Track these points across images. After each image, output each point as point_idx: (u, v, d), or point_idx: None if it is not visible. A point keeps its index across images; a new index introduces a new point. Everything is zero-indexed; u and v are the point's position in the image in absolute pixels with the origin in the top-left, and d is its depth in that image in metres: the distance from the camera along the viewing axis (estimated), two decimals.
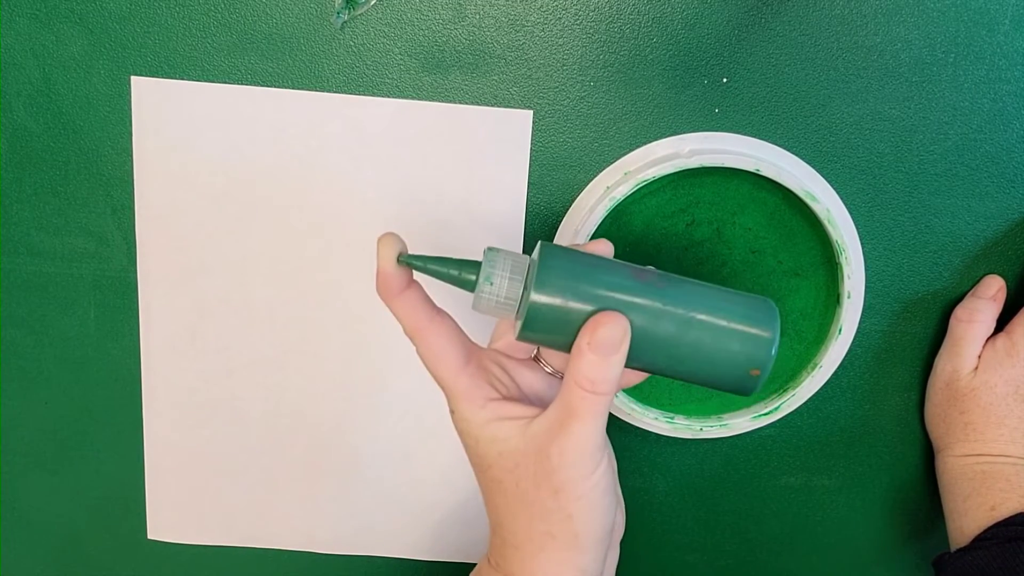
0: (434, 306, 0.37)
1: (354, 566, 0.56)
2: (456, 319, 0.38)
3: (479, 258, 0.36)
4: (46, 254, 0.50)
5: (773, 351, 0.35)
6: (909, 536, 0.55)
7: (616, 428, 0.51)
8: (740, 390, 0.36)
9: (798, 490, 0.54)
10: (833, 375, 0.50)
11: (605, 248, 0.39)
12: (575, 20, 0.45)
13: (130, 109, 0.47)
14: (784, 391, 0.49)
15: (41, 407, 0.53)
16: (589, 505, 0.36)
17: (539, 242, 0.37)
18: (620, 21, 0.45)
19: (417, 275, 0.36)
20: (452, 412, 0.38)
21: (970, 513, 0.47)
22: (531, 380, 0.40)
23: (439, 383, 0.37)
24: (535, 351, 0.41)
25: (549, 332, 0.35)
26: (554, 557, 0.36)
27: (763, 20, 0.45)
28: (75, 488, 0.55)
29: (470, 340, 0.38)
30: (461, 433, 0.38)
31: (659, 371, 0.37)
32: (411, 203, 0.48)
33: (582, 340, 0.34)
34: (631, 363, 0.36)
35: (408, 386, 0.52)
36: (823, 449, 0.53)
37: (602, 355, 0.34)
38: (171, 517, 0.55)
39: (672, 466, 0.53)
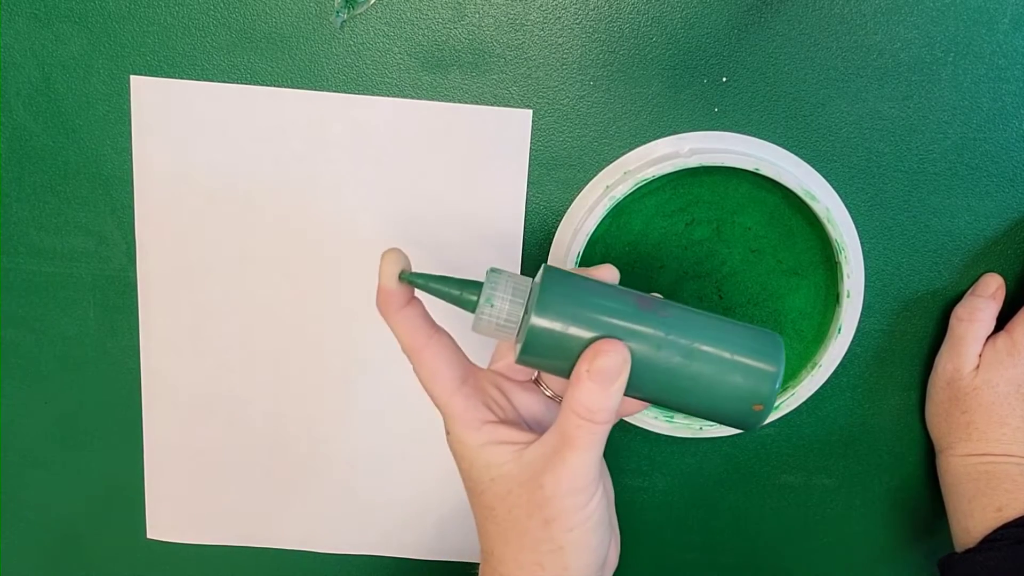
0: (433, 324, 0.37)
1: (354, 566, 0.56)
2: (457, 339, 0.37)
3: (481, 276, 0.36)
4: (46, 254, 0.50)
5: (777, 385, 0.35)
6: (909, 535, 0.55)
7: (616, 427, 0.51)
8: (742, 425, 0.36)
9: (798, 489, 0.54)
10: (833, 374, 0.50)
11: (610, 274, 0.38)
12: (575, 19, 0.45)
13: (129, 108, 0.47)
14: (784, 390, 0.49)
15: (41, 406, 0.53)
16: (580, 538, 0.35)
17: (543, 265, 0.36)
18: (620, 21, 0.45)
19: (418, 292, 0.36)
20: (447, 433, 0.37)
21: (976, 514, 0.46)
22: (530, 403, 0.39)
23: (435, 403, 0.37)
24: (535, 374, 0.41)
25: (548, 357, 0.35)
26: None
27: (763, 19, 0.45)
28: (75, 487, 0.55)
29: (468, 360, 0.38)
30: (456, 455, 0.37)
31: (659, 401, 0.36)
32: (410, 202, 0.48)
33: (581, 367, 0.34)
34: (630, 392, 0.35)
35: (409, 385, 0.51)
36: (823, 448, 0.53)
37: (601, 384, 0.34)
38: (170, 516, 0.55)
39: (672, 465, 0.53)
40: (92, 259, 0.50)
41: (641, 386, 0.35)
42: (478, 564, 0.41)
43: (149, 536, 0.55)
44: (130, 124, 0.47)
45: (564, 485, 0.34)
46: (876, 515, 0.54)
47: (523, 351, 0.35)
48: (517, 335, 0.35)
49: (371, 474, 0.53)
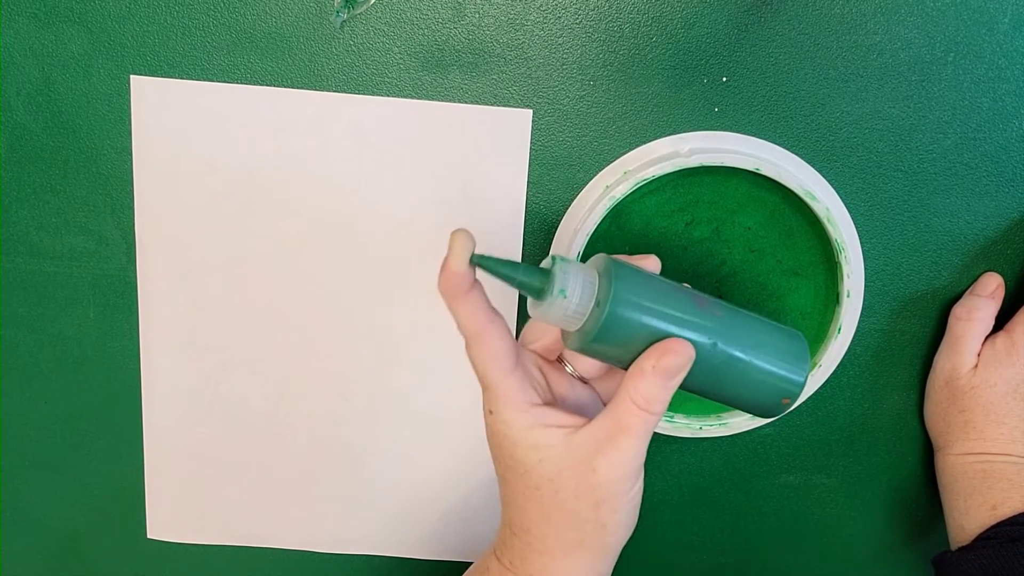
0: (492, 307, 0.36)
1: (354, 566, 0.56)
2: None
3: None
4: (46, 253, 0.50)
5: (804, 384, 0.38)
6: (908, 534, 0.55)
7: None
8: (767, 414, 0.39)
9: (797, 489, 0.54)
10: (832, 374, 0.50)
11: (655, 264, 0.40)
12: (575, 19, 0.45)
13: (129, 108, 0.47)
14: None
15: (41, 406, 0.53)
16: (624, 518, 0.37)
17: (605, 256, 0.37)
18: (620, 20, 0.45)
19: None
20: (490, 412, 0.37)
21: (971, 512, 0.47)
22: (558, 383, 0.40)
23: (486, 383, 0.37)
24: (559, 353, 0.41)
25: (614, 347, 0.36)
26: (580, 564, 0.37)
27: (763, 19, 0.45)
28: (75, 487, 0.55)
29: (517, 344, 0.38)
30: (498, 435, 0.37)
31: (698, 392, 0.38)
32: (410, 202, 0.48)
33: (647, 362, 0.35)
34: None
35: (408, 385, 0.52)
36: (822, 448, 0.53)
37: (664, 379, 0.35)
38: (170, 516, 0.55)
39: (672, 465, 0.53)
40: (92, 259, 0.50)
41: (689, 378, 0.37)
42: (482, 561, 0.41)
43: (149, 536, 0.55)
44: (130, 124, 0.47)
45: (618, 470, 0.36)
46: (875, 514, 0.54)
47: (594, 340, 0.35)
48: (583, 324, 0.36)
49: (371, 474, 0.53)
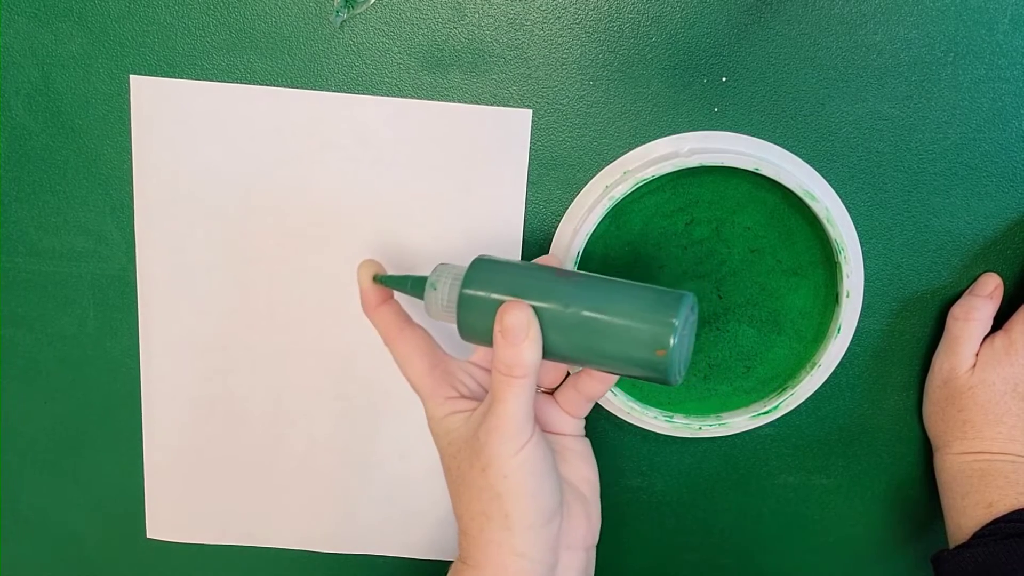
0: (408, 319, 0.43)
1: (354, 566, 0.56)
2: (451, 346, 0.44)
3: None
4: (45, 253, 0.50)
5: (674, 337, 0.37)
6: (907, 534, 0.55)
7: (615, 427, 0.51)
8: (653, 370, 0.38)
9: (797, 489, 0.54)
10: (832, 374, 0.50)
11: (552, 260, 0.44)
12: (574, 19, 0.45)
13: (129, 108, 0.47)
14: (783, 390, 0.49)
15: (41, 406, 0.53)
16: (516, 484, 0.39)
17: (479, 257, 0.41)
18: (620, 20, 0.45)
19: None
20: (425, 411, 0.43)
21: (968, 511, 0.47)
22: None
23: (409, 382, 0.43)
24: None
25: (480, 329, 0.40)
26: (491, 538, 0.39)
27: (762, 19, 0.45)
28: (75, 487, 0.55)
29: (440, 351, 0.44)
30: (431, 432, 0.43)
31: (576, 360, 0.39)
32: (410, 202, 0.48)
33: (495, 329, 0.38)
34: (551, 354, 0.39)
35: (407, 385, 0.51)
36: (822, 448, 0.53)
37: (512, 340, 0.38)
38: (170, 516, 0.55)
39: (671, 465, 0.53)
40: (92, 259, 0.50)
41: (558, 345, 0.39)
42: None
43: (149, 535, 0.55)
44: (130, 124, 0.47)
45: (494, 434, 0.39)
46: (875, 514, 0.54)
47: (458, 325, 0.40)
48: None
49: (371, 474, 0.53)
